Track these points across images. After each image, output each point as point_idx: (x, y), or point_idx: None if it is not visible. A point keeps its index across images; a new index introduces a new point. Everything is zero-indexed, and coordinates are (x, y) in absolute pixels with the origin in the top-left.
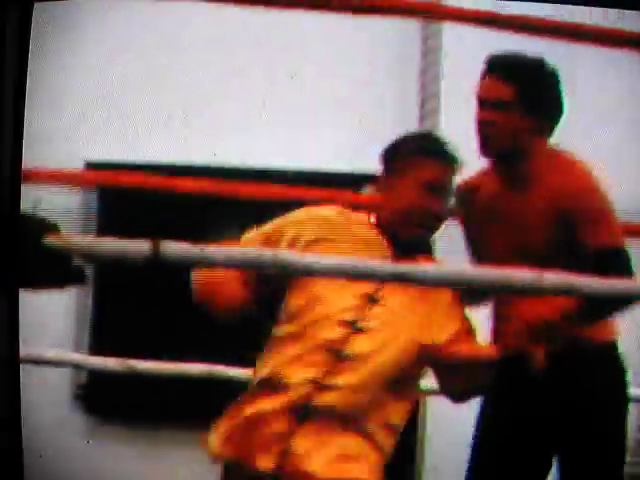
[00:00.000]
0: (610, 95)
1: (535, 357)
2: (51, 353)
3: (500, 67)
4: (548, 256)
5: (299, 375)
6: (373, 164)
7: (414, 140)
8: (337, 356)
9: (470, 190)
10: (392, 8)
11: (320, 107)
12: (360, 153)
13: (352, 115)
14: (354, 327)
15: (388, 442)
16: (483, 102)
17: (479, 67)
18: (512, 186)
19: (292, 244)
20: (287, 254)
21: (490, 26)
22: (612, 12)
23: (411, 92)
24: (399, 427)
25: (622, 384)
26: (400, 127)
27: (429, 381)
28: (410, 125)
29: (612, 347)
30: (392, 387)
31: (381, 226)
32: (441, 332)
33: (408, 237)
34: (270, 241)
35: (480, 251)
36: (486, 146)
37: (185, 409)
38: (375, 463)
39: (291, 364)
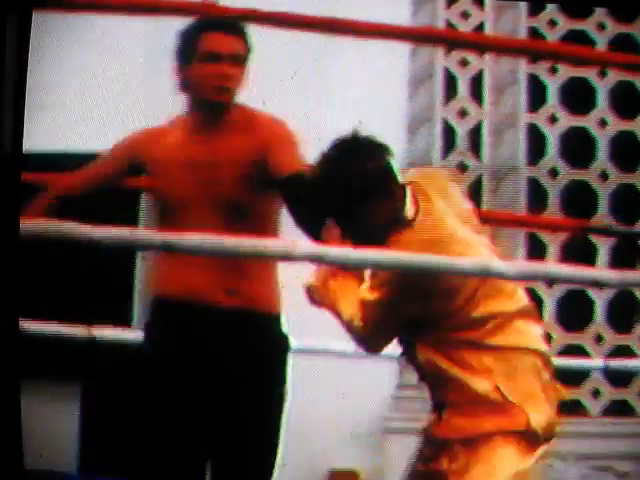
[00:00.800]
0: None
1: None
2: None
3: (229, 24)
4: (242, 194)
5: None
6: None
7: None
8: None
9: (150, 141)
10: (171, 8)
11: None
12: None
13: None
14: None
15: None
16: (219, 56)
17: None
18: (212, 133)
19: None
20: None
21: (255, 23)
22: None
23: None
24: None
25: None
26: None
27: None
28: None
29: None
30: None
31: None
32: None
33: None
34: None
35: (169, 203)
36: (221, 98)
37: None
38: None
39: None
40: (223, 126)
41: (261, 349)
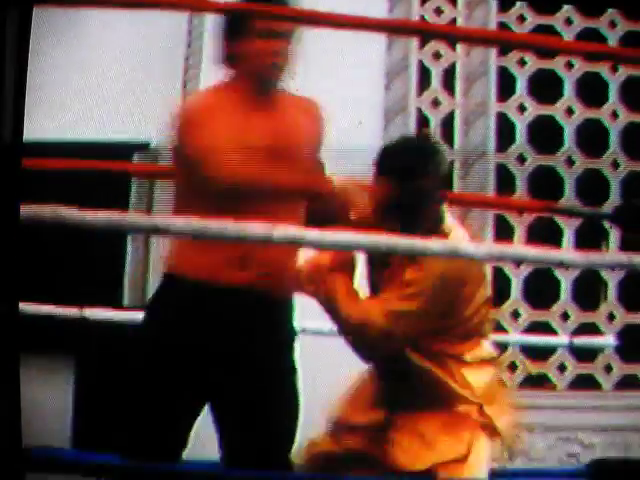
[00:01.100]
0: None
1: None
2: None
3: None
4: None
5: None
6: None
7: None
8: None
9: (203, 114)
10: (163, 3)
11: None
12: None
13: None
14: None
15: None
16: (276, 33)
17: None
18: (269, 109)
19: None
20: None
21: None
22: None
23: (178, 72)
24: None
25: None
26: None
27: None
28: (174, 97)
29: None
30: None
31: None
32: None
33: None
34: None
35: (230, 187)
36: (277, 74)
37: None
38: None
39: None
40: (277, 103)
41: (266, 330)
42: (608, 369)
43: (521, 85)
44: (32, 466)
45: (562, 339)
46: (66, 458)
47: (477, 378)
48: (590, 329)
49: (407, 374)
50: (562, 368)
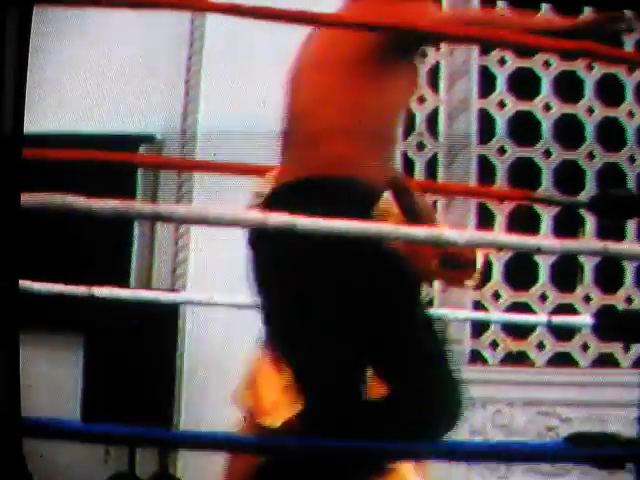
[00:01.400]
0: None
1: None
2: None
3: None
4: None
5: None
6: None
7: None
8: None
9: None
10: (164, 3)
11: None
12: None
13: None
14: None
15: None
16: None
17: (234, 50)
18: None
19: None
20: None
21: (239, 15)
22: None
23: (180, 72)
24: None
25: None
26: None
27: None
28: (178, 96)
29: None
30: None
31: None
32: None
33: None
34: None
35: None
36: None
37: None
38: None
39: None
40: None
41: None
42: (585, 347)
43: (501, 83)
44: (30, 435)
45: (541, 319)
46: (66, 428)
47: None
48: (567, 310)
49: None
50: (541, 346)
